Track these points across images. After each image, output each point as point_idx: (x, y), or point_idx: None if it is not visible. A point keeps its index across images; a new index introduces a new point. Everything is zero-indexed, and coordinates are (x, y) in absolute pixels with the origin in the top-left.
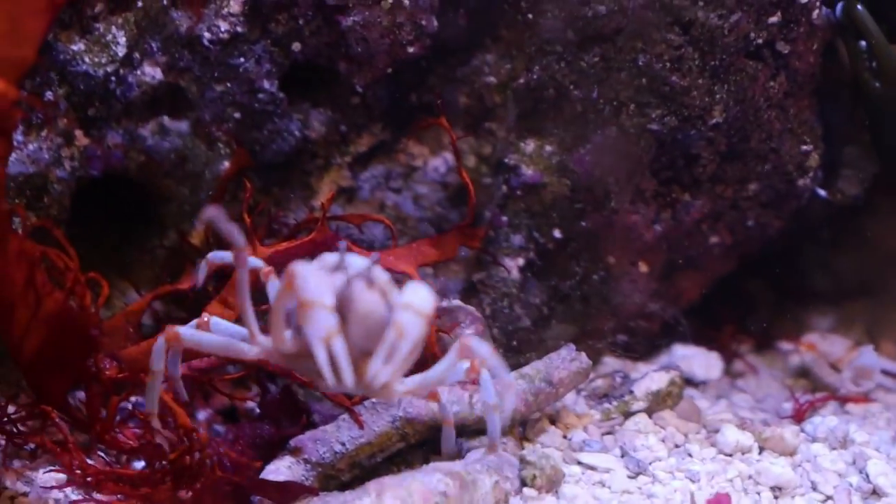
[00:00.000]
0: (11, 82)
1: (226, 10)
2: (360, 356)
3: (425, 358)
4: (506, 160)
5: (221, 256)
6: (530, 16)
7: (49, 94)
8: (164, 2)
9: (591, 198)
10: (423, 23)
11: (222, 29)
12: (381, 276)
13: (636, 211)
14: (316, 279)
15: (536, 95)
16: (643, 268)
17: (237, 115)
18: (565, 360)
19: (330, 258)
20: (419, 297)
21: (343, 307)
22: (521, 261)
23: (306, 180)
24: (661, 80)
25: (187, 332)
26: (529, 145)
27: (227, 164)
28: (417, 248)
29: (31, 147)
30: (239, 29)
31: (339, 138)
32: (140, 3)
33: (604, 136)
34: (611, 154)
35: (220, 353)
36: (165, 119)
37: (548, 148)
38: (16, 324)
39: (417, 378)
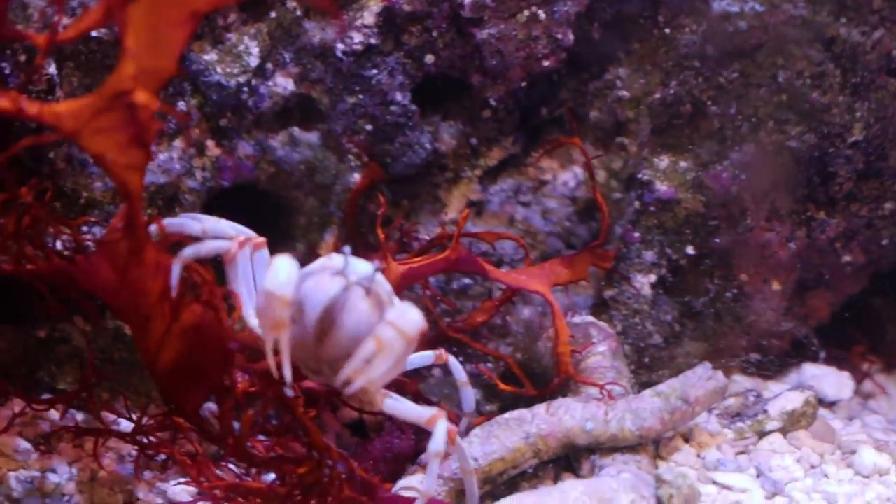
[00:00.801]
0: (152, 93)
1: (360, 21)
2: (341, 359)
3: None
4: (639, 176)
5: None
6: (667, 31)
7: (182, 104)
8: (298, 13)
9: (726, 214)
10: (559, 36)
11: (356, 41)
12: (381, 286)
13: (771, 228)
14: (287, 272)
15: (672, 111)
16: (775, 286)
17: (369, 127)
18: (701, 379)
19: (336, 260)
20: (407, 319)
21: (335, 310)
22: (652, 277)
23: (436, 193)
24: (801, 97)
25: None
26: (664, 161)
27: (357, 176)
28: (550, 267)
29: (162, 157)
30: (372, 41)
31: (470, 151)
32: (273, 14)
33: (741, 153)
34: (748, 171)
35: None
36: (296, 130)
37: (682, 164)
38: (151, 335)
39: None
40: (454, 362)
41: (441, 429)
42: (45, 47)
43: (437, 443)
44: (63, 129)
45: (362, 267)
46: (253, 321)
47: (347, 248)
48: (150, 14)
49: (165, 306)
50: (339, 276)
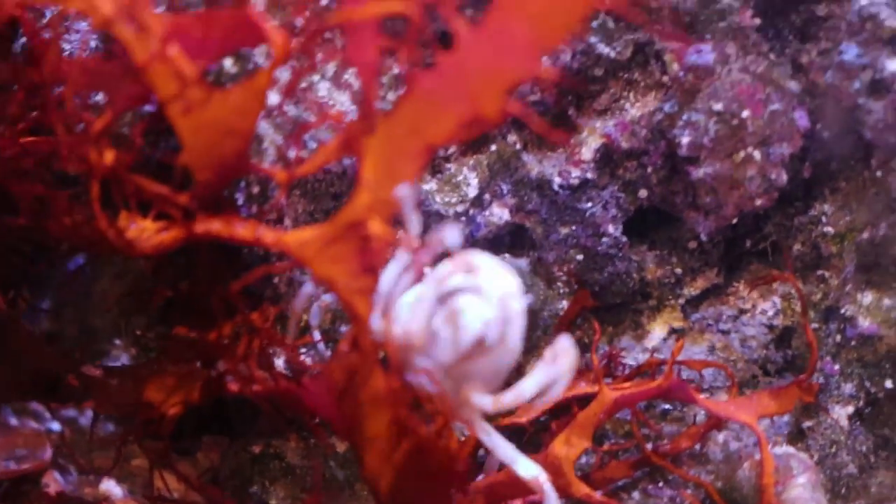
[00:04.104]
0: (385, 223)
1: (577, 156)
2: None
3: None
4: (841, 310)
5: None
6: (879, 173)
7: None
8: (518, 146)
9: None
10: (773, 177)
11: (573, 175)
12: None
13: None
14: None
15: (880, 251)
16: None
17: (579, 256)
18: None
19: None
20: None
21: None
22: (850, 409)
23: (638, 319)
24: None
25: None
26: (867, 297)
27: (564, 303)
28: (757, 399)
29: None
30: (589, 175)
31: (674, 280)
32: (494, 147)
33: None
34: None
35: None
36: (507, 256)
37: (887, 302)
38: (375, 458)
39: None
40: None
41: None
42: (285, 183)
43: None
44: (297, 256)
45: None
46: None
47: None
48: (386, 146)
49: (392, 431)
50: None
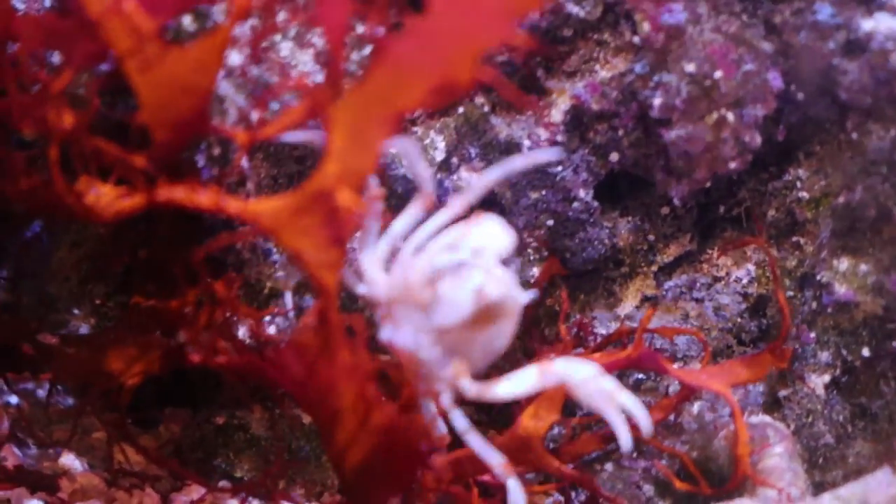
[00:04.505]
0: (353, 193)
1: (547, 119)
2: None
3: None
4: (817, 277)
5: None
6: (854, 135)
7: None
8: (486, 108)
9: None
10: (747, 139)
11: (542, 137)
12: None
13: None
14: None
15: (856, 215)
16: None
17: (550, 222)
18: (882, 485)
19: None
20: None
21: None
22: (826, 378)
23: (611, 287)
24: None
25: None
26: (843, 263)
27: (535, 270)
28: (730, 367)
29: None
30: (559, 138)
31: (647, 247)
32: (461, 110)
33: None
34: None
35: None
36: None
37: (863, 267)
38: (340, 433)
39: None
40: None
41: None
42: (245, 145)
43: None
44: (262, 227)
45: (523, 295)
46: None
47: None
48: (354, 114)
49: (359, 406)
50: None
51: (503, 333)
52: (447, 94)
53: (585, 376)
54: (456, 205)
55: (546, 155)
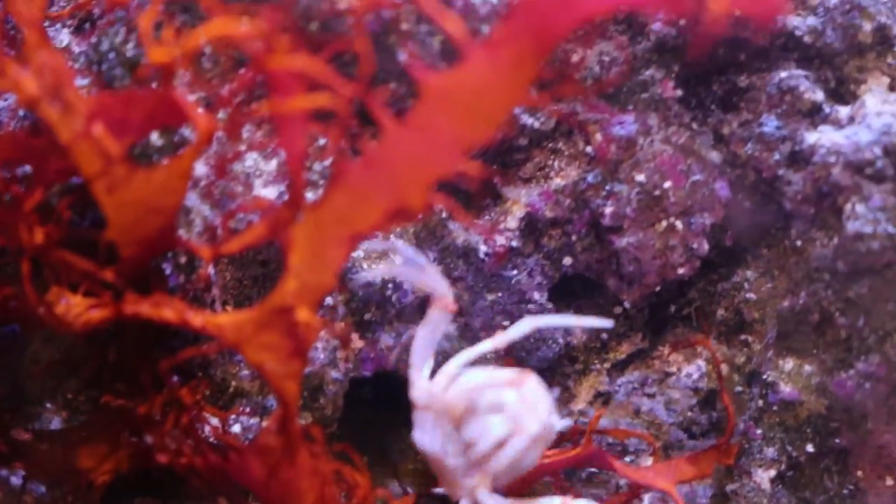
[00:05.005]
0: (312, 309)
1: (502, 225)
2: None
3: None
4: (763, 376)
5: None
6: (799, 243)
7: (329, 300)
8: (444, 214)
9: (848, 418)
10: (695, 246)
11: (498, 243)
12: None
13: (889, 431)
14: None
15: (800, 318)
16: (889, 481)
17: (506, 323)
18: None
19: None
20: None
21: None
22: (772, 472)
23: (566, 383)
24: None
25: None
26: (788, 363)
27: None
28: (676, 465)
29: None
30: (514, 243)
31: (600, 345)
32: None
33: (867, 364)
34: (872, 380)
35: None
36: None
37: (807, 368)
38: None
39: None
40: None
41: None
42: (209, 260)
43: None
44: (225, 340)
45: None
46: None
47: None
48: (314, 234)
49: None
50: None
51: (530, 456)
52: (402, 218)
53: None
54: (500, 340)
55: (599, 323)
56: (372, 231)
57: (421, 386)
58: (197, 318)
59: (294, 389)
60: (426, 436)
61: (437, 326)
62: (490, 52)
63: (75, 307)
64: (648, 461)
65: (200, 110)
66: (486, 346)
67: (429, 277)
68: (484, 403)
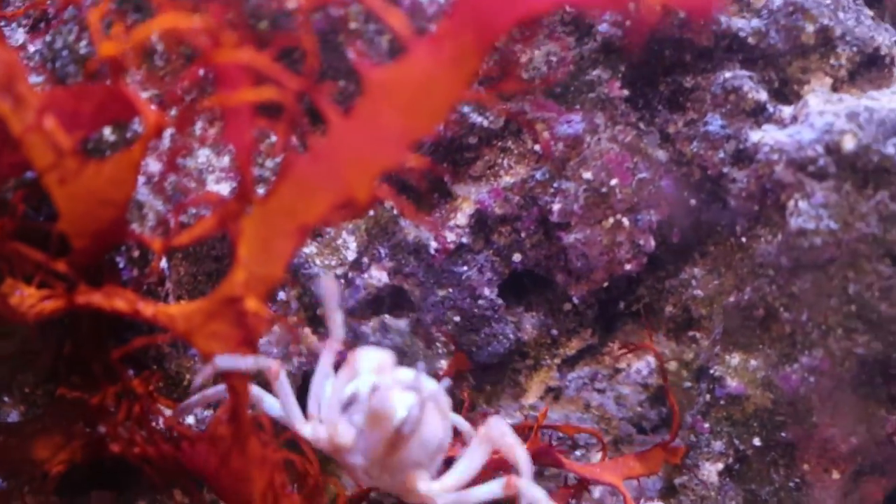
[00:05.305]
0: (261, 299)
1: (453, 222)
2: (408, 469)
3: None
4: (710, 371)
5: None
6: (744, 239)
7: (282, 294)
8: (395, 211)
9: (793, 412)
10: (641, 242)
11: (448, 239)
12: (446, 402)
13: (834, 425)
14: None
15: (745, 314)
16: (835, 475)
17: (457, 318)
18: None
19: (404, 375)
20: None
21: (410, 423)
22: (720, 466)
23: (517, 378)
24: (869, 308)
25: (255, 390)
26: (735, 358)
27: (443, 363)
28: (624, 462)
29: (262, 342)
30: (464, 240)
31: (550, 341)
32: (371, 212)
33: (811, 357)
34: (816, 374)
35: (280, 419)
36: (387, 318)
37: (753, 362)
38: None
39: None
40: (525, 484)
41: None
42: (160, 252)
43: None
44: (176, 330)
45: (431, 383)
46: (309, 433)
47: (421, 364)
48: (262, 226)
49: (267, 495)
50: (412, 391)
51: (433, 429)
52: (348, 211)
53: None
54: (333, 341)
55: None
56: (319, 223)
57: (307, 433)
58: (148, 308)
59: (243, 379)
60: (356, 478)
61: (325, 366)
62: (432, 46)
63: (29, 298)
64: (597, 456)
65: (152, 107)
66: (328, 357)
67: (333, 312)
68: (361, 407)
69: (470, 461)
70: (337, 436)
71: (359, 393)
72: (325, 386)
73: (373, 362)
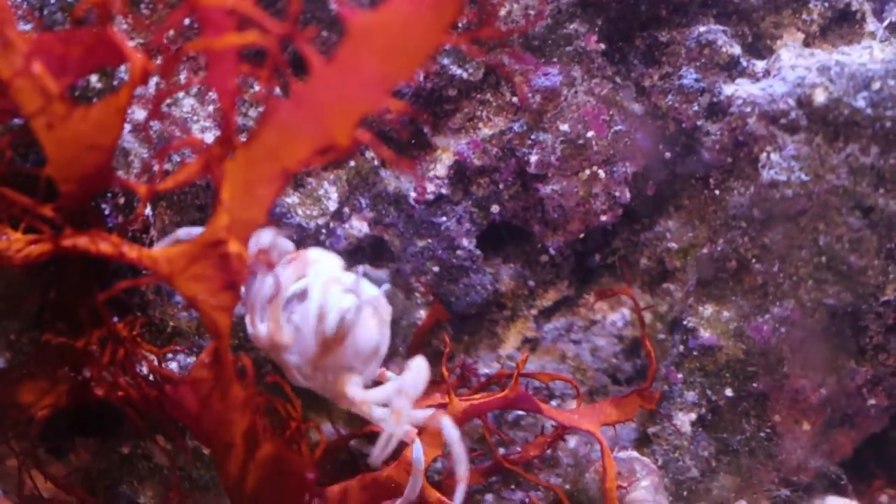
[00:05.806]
0: (243, 243)
1: (432, 173)
2: (340, 370)
3: None
4: (684, 322)
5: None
6: (717, 192)
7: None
8: (376, 162)
9: (765, 363)
10: (617, 194)
11: (428, 190)
12: (385, 308)
13: (805, 376)
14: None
15: (718, 265)
16: (805, 426)
17: (435, 268)
18: None
19: (346, 277)
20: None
21: (346, 324)
22: (692, 416)
23: (494, 329)
24: (839, 260)
25: None
26: (707, 310)
27: (422, 313)
28: (600, 408)
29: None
30: (443, 191)
31: (527, 292)
32: (352, 163)
33: (782, 308)
34: (787, 325)
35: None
36: (367, 267)
37: (725, 314)
38: (233, 464)
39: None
40: (447, 423)
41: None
42: (145, 197)
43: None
44: (160, 272)
45: (371, 288)
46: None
47: (361, 269)
48: (245, 170)
49: (248, 438)
50: (351, 293)
51: (368, 334)
52: (329, 155)
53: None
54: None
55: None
56: (301, 167)
57: (258, 335)
58: (132, 251)
59: (226, 321)
60: (291, 377)
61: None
62: None
63: (16, 243)
64: (573, 405)
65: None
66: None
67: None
68: (302, 307)
69: (401, 381)
70: (276, 333)
71: (301, 291)
72: (270, 283)
73: (320, 263)
